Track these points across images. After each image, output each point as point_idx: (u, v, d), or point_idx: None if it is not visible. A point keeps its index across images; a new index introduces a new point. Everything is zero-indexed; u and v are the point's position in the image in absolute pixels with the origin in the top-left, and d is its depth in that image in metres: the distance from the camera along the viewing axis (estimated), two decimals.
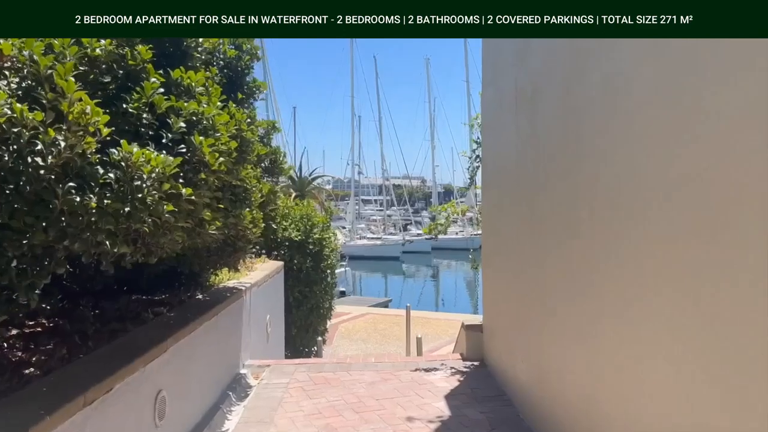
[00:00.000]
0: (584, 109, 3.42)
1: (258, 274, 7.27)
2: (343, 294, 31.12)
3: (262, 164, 6.11)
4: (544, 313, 4.16)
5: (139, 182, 2.63)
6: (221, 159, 3.52)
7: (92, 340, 3.98)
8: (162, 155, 2.77)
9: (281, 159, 6.21)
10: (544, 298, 4.13)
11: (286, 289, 9.45)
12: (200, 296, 5.64)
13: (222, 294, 5.78)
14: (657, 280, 2.62)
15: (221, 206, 4.13)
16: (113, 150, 2.62)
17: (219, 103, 3.98)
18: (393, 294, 37.45)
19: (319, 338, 9.60)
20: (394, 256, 50.91)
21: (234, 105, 4.49)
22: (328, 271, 9.98)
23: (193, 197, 3.18)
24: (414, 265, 49.93)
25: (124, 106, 2.95)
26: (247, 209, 4.73)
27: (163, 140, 3.09)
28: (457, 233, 62.43)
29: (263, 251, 9.02)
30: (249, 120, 4.64)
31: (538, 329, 4.32)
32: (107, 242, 2.59)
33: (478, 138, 6.36)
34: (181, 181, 3.11)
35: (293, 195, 13.47)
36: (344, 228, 58.65)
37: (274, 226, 9.35)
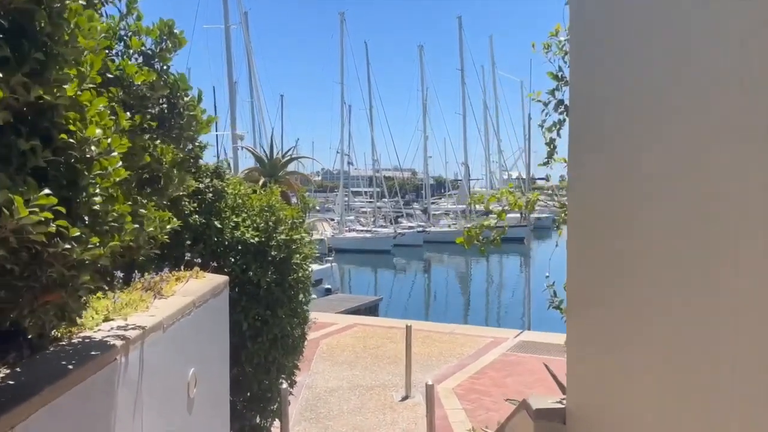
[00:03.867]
0: None
1: (171, 305, 4.34)
2: (329, 292, 28.36)
3: (150, 109, 3.16)
4: None
5: None
6: None
7: None
8: None
9: (188, 101, 3.24)
10: None
11: (238, 313, 6.57)
12: (2, 371, 2.74)
13: (57, 364, 2.88)
14: None
15: None
16: None
17: None
18: (383, 291, 34.95)
19: (284, 385, 6.69)
20: (384, 250, 48.73)
21: None
22: (300, 286, 7.07)
23: None
24: (405, 259, 47.72)
25: None
26: (42, 193, 1.83)
27: None
28: (449, 225, 60.10)
29: (198, 259, 6.10)
30: None
31: None
32: None
33: (560, 71, 3.43)
34: None
35: (261, 181, 10.49)
36: (333, 220, 56.17)
37: (217, 223, 6.44)
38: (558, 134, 3.53)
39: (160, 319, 3.95)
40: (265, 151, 11.55)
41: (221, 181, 6.64)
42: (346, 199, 63.28)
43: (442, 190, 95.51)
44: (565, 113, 3.42)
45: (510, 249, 53.15)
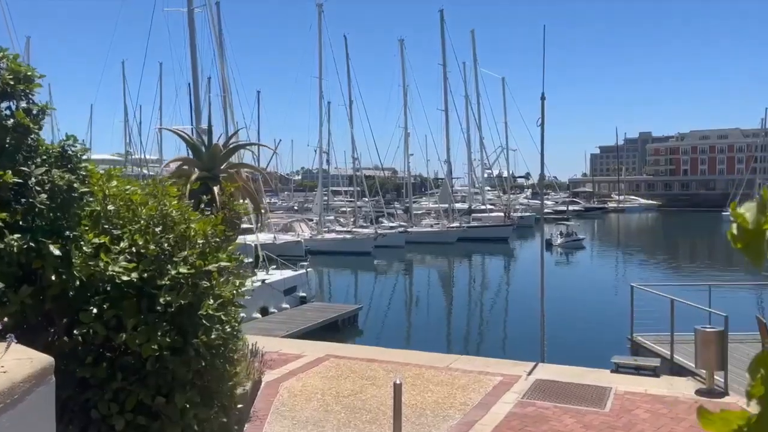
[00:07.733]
0: None
1: None
2: (303, 300, 25.50)
3: None
4: None
5: None
6: None
7: None
8: None
9: None
10: None
11: (105, 403, 3.72)
12: None
13: None
14: None
15: None
16: None
17: None
18: (364, 297, 32.12)
19: None
20: (365, 251, 45.94)
21: None
22: (221, 350, 4.21)
23: None
24: (386, 261, 45.09)
25: None
26: None
27: None
28: (432, 226, 57.47)
29: (6, 318, 3.17)
30: None
31: None
32: None
33: None
34: None
35: (193, 177, 7.56)
36: (311, 220, 53.43)
37: (56, 249, 3.52)
38: None
39: None
40: (202, 138, 8.66)
41: (71, 173, 3.74)
42: (326, 198, 60.38)
43: (424, 189, 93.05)
44: None
45: (493, 250, 51.02)
